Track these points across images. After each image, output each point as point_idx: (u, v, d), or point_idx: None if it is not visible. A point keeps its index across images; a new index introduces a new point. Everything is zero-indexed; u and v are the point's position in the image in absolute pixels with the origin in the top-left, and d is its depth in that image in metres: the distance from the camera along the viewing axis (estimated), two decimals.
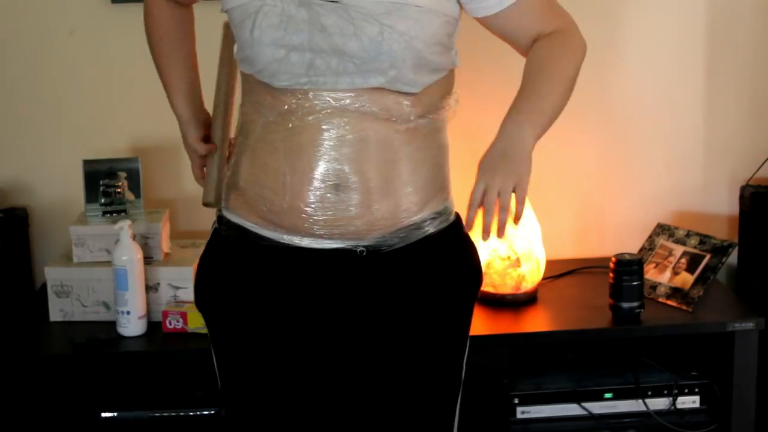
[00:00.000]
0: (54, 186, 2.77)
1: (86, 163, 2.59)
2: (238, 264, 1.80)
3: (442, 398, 1.87)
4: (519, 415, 2.50)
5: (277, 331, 1.79)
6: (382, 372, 1.81)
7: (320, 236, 1.74)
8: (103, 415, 2.45)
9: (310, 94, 1.70)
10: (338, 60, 1.68)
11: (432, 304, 1.81)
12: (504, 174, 1.65)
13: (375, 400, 1.83)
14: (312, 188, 1.71)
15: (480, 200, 1.66)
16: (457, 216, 1.88)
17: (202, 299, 1.86)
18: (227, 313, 1.82)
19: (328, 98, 1.70)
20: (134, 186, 2.60)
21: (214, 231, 1.86)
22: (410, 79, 1.71)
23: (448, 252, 1.83)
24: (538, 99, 1.74)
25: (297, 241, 1.75)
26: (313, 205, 1.71)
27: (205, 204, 1.89)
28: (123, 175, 2.58)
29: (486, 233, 1.67)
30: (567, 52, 1.78)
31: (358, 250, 1.74)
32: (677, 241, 2.65)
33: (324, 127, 1.70)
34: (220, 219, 1.85)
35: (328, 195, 1.71)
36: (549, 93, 1.74)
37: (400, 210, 1.74)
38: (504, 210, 1.65)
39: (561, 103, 1.76)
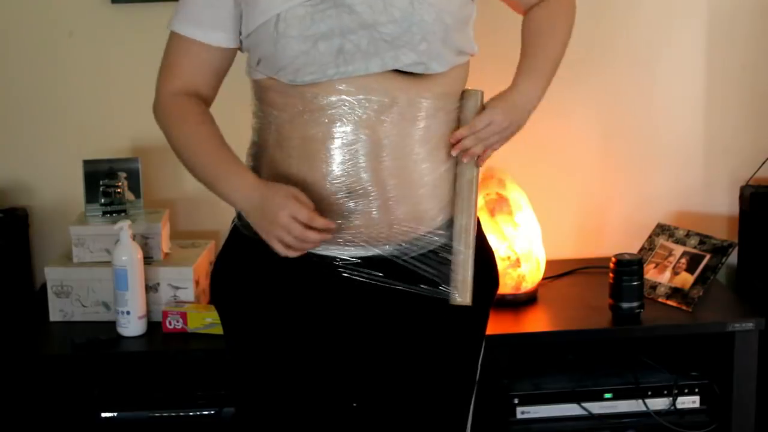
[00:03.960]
0: (54, 186, 2.77)
1: (86, 163, 2.59)
2: (259, 264, 1.78)
3: (459, 399, 1.88)
4: (519, 415, 2.50)
5: (296, 331, 1.78)
6: (401, 375, 1.82)
7: (338, 244, 1.73)
8: (103, 415, 2.45)
9: (329, 98, 1.68)
10: (368, 39, 1.67)
11: (451, 310, 1.80)
12: (510, 123, 1.78)
13: (392, 400, 1.83)
14: (327, 197, 1.70)
15: (481, 129, 1.75)
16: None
17: (220, 295, 1.86)
18: (247, 311, 1.81)
19: (345, 95, 1.68)
20: (134, 186, 2.60)
21: (234, 228, 1.85)
22: (440, 53, 1.71)
23: None
24: (546, 61, 1.85)
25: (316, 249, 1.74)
26: (329, 216, 1.69)
27: (459, 305, 1.77)
28: (123, 175, 2.59)
29: (468, 156, 1.76)
30: (566, 16, 1.91)
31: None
32: (677, 241, 2.65)
33: (337, 131, 1.69)
34: (240, 217, 1.82)
35: (346, 203, 1.71)
36: (554, 56, 1.87)
37: (419, 214, 1.74)
38: (491, 148, 1.78)
39: (558, 64, 1.88)
